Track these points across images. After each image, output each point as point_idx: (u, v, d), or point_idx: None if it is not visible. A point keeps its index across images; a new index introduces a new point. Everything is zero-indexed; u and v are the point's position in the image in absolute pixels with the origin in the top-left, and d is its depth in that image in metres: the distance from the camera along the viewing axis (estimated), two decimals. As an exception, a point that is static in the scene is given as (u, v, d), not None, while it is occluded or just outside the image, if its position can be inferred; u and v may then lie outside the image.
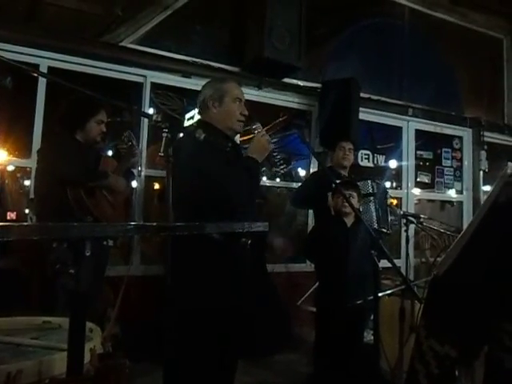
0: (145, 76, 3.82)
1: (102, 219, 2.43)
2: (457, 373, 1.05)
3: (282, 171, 4.89)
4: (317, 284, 3.16)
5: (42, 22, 3.66)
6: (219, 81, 2.14)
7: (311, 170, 4.59)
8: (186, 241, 1.64)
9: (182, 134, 1.87)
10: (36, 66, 3.29)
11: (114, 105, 2.66)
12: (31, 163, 3.30)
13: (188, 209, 1.83)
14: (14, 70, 1.38)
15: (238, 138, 3.86)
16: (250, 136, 2.09)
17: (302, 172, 5.06)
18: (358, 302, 2.16)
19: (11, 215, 3.97)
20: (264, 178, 4.55)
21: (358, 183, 3.32)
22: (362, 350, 2.64)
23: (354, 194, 2.90)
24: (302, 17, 4.14)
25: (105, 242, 2.51)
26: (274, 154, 4.65)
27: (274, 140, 4.52)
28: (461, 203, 5.56)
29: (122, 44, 3.76)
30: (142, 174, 3.76)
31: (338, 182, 3.03)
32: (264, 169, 4.40)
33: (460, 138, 5.62)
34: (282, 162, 4.88)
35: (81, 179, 2.43)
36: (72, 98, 2.67)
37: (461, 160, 5.59)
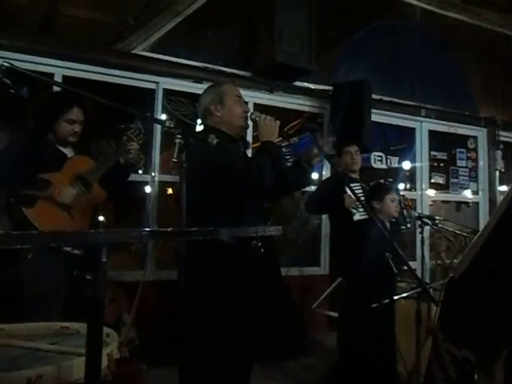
0: (157, 82, 3.87)
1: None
2: (476, 377, 1.04)
3: None
4: (332, 287, 3.14)
5: (56, 32, 3.73)
6: (216, 85, 2.17)
7: (324, 173, 4.58)
8: (199, 244, 1.65)
9: (193, 140, 1.89)
10: (51, 75, 3.35)
11: (127, 112, 2.65)
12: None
13: (209, 210, 1.84)
14: (30, 79, 1.40)
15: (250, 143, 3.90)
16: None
17: (314, 175, 5.05)
18: (374, 305, 2.14)
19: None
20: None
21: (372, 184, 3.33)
22: (380, 353, 2.62)
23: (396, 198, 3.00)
24: (312, 20, 4.14)
25: (70, 250, 2.21)
26: (287, 157, 4.65)
27: (286, 143, 4.52)
28: (477, 204, 5.49)
29: (135, 51, 3.80)
30: (156, 179, 3.79)
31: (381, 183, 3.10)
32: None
33: (475, 137, 5.54)
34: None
35: (6, 184, 2.25)
36: (43, 95, 2.47)
37: (476, 160, 5.52)
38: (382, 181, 3.60)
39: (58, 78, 3.41)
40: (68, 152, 2.43)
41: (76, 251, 2.22)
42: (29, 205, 2.20)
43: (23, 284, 2.25)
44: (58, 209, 2.27)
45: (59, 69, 3.46)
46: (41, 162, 2.28)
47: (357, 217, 3.38)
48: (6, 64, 1.34)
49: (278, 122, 2.03)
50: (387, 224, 2.98)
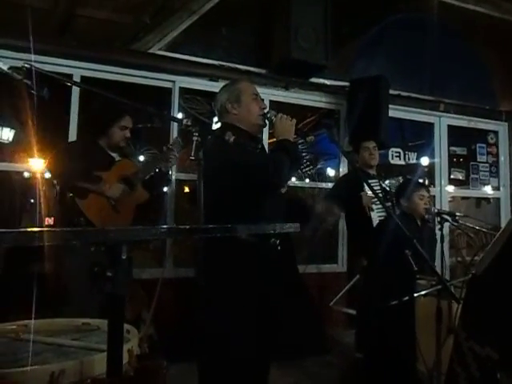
0: (173, 81, 3.89)
1: (97, 222, 2.38)
2: (499, 376, 1.02)
3: (308, 172, 4.87)
4: (350, 284, 3.13)
5: (74, 33, 3.79)
6: (232, 83, 2.16)
7: (341, 170, 4.55)
8: (216, 242, 1.66)
9: (210, 138, 1.89)
10: (69, 76, 3.40)
11: (144, 111, 2.71)
12: (67, 170, 3.41)
13: (226, 207, 1.84)
14: (50, 80, 1.43)
15: (265, 140, 3.90)
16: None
17: (331, 172, 5.02)
18: (393, 303, 2.12)
19: (49, 221, 4.12)
20: (293, 179, 4.55)
21: (389, 181, 3.30)
22: (400, 351, 2.60)
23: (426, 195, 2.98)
24: (327, 15, 4.11)
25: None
26: (303, 154, 4.63)
27: (302, 141, 4.51)
28: (498, 200, 5.38)
29: (151, 51, 3.84)
30: (173, 177, 3.82)
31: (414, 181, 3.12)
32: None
33: (495, 132, 5.43)
34: (308, 163, 4.86)
35: (64, 178, 2.43)
36: (97, 103, 2.69)
37: (497, 155, 5.41)
38: (410, 177, 3.58)
39: (76, 79, 3.46)
40: (115, 156, 2.67)
41: None
42: (82, 196, 2.41)
43: (61, 280, 2.44)
44: (106, 203, 2.49)
45: (78, 70, 3.52)
46: (93, 163, 2.50)
47: (374, 214, 3.35)
48: (26, 65, 1.36)
49: (294, 121, 2.02)
50: (418, 221, 2.95)
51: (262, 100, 2.16)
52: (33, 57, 3.26)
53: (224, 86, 2.16)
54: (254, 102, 2.06)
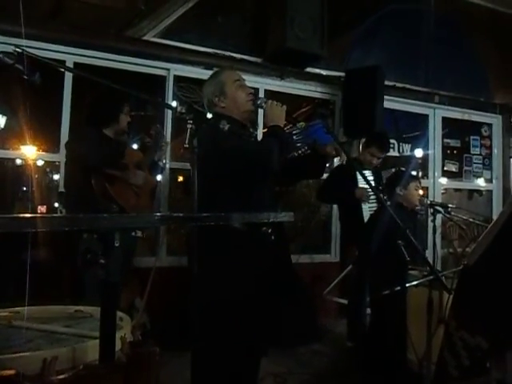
0: (168, 69, 3.85)
1: (127, 208, 2.47)
2: (488, 364, 1.04)
3: None
4: (342, 274, 3.14)
5: (66, 18, 3.72)
6: (215, 75, 2.12)
7: (335, 159, 4.54)
8: (209, 230, 1.65)
9: (205, 125, 1.88)
10: (62, 62, 3.35)
11: (138, 98, 2.70)
12: (59, 157, 3.38)
13: (220, 195, 1.84)
14: (42, 66, 1.41)
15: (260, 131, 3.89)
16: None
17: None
18: (385, 293, 2.14)
19: (41, 209, 4.09)
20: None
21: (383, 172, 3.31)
22: (390, 340, 2.63)
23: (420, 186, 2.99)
24: (324, 4, 4.07)
25: (133, 233, 2.60)
26: (298, 144, 4.62)
27: (297, 131, 4.49)
28: (490, 192, 5.42)
29: (145, 38, 3.78)
30: (167, 166, 3.80)
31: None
32: None
33: (489, 125, 5.46)
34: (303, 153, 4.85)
35: (96, 162, 2.47)
36: (96, 93, 2.70)
37: (490, 148, 5.44)
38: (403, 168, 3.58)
39: (69, 65, 3.41)
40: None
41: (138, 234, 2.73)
42: (110, 182, 2.50)
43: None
44: (129, 188, 2.61)
45: (70, 56, 3.47)
46: (109, 147, 2.57)
47: (365, 205, 3.37)
48: (17, 50, 1.34)
49: (285, 107, 2.00)
50: (409, 212, 2.96)
51: (255, 90, 2.14)
52: (24, 42, 3.20)
53: (208, 80, 2.12)
54: (239, 89, 2.03)
